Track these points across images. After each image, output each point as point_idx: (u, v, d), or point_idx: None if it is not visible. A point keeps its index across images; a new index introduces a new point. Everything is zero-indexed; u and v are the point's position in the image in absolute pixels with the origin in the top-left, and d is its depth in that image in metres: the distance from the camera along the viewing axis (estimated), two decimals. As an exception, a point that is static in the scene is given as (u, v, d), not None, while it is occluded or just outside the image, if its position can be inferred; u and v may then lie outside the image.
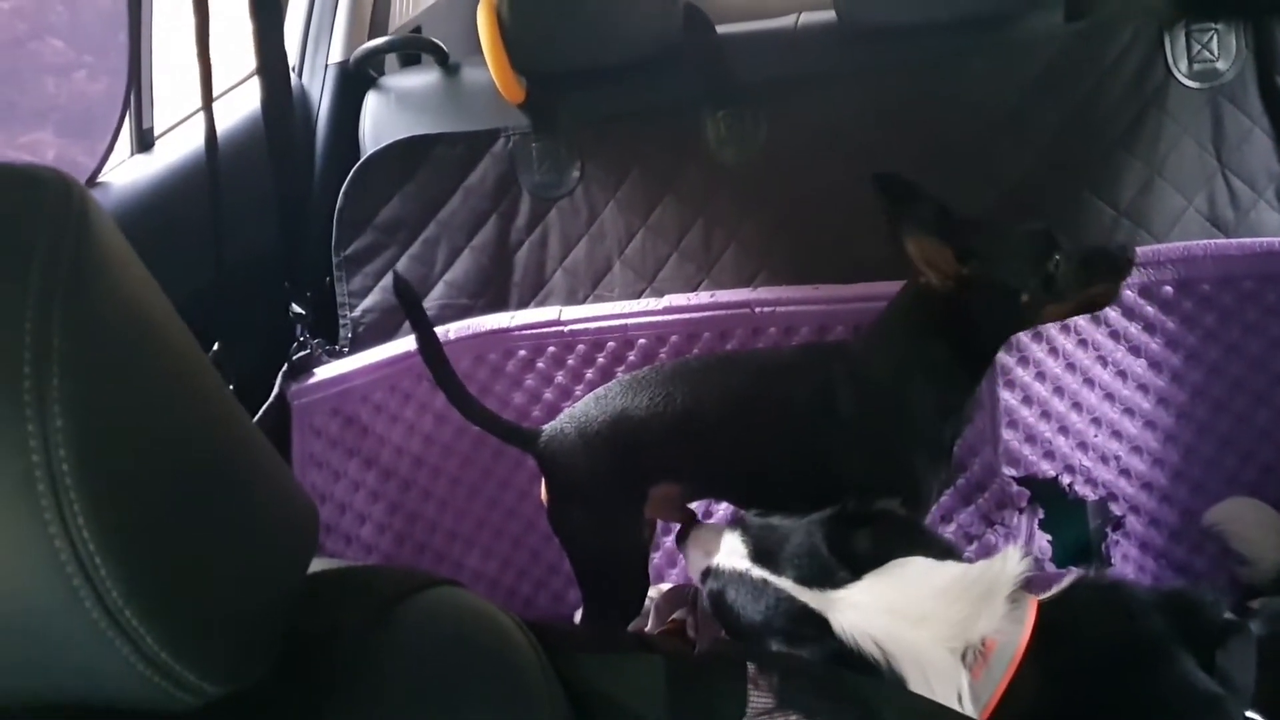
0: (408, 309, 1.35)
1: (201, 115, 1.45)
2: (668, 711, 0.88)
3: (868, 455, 1.21)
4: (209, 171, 1.34)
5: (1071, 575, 1.00)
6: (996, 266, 1.16)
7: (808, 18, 1.76)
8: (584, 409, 1.33)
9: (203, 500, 0.55)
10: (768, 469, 1.25)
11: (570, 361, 1.61)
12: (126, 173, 1.55)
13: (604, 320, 1.60)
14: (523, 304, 1.74)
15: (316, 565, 0.80)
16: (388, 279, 1.76)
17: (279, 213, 1.58)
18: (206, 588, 0.56)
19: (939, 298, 1.18)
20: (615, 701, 0.88)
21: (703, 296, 1.58)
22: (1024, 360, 1.44)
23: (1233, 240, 1.44)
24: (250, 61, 1.63)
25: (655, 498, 1.29)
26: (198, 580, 0.55)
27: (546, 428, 1.34)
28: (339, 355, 1.65)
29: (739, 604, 1.04)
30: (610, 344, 1.59)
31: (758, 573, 1.04)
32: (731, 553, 1.09)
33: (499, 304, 1.74)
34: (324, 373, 1.58)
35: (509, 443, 1.40)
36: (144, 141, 1.60)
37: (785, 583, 1.01)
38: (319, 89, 1.86)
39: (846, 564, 1.00)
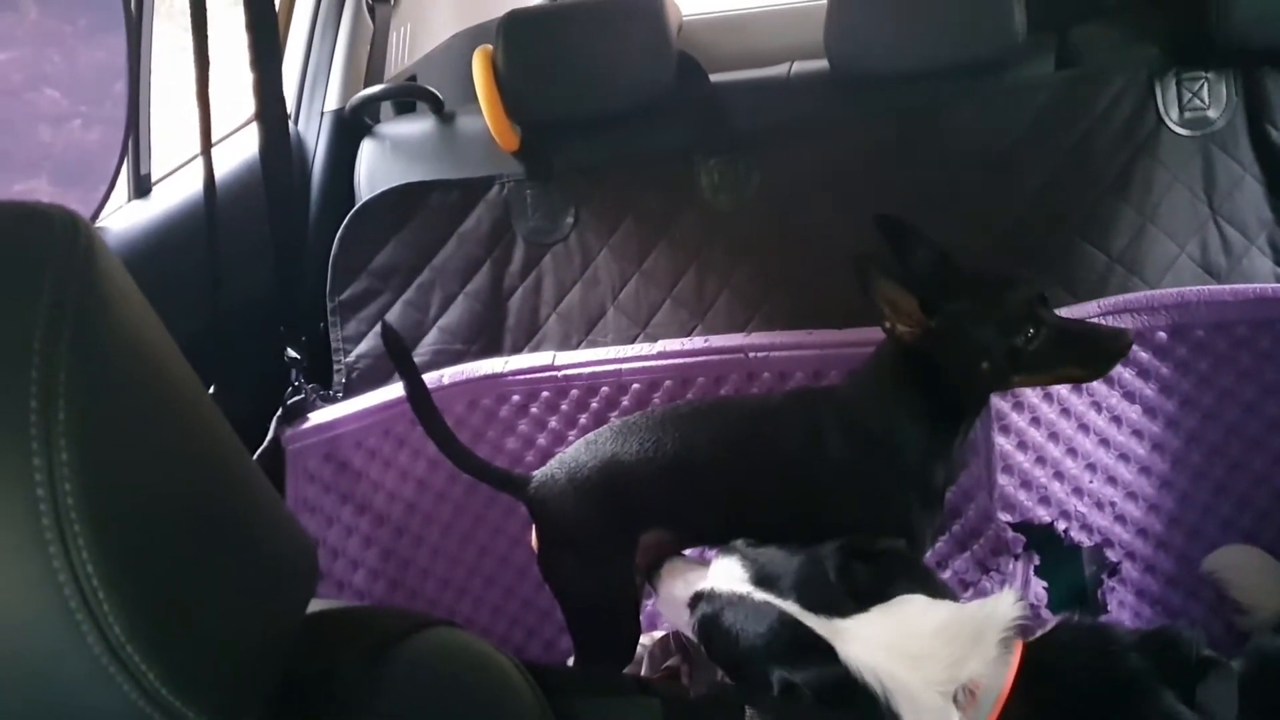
0: (396, 359, 1.35)
1: (199, 161, 1.46)
2: None
3: (859, 499, 1.20)
4: (207, 217, 1.35)
5: (1059, 619, 1.00)
6: (964, 326, 1.13)
7: (800, 66, 1.78)
8: (574, 455, 1.32)
9: (205, 537, 0.55)
10: (759, 513, 1.24)
11: (564, 406, 1.60)
12: (124, 218, 1.56)
13: (597, 365, 1.59)
14: (516, 349, 1.74)
15: (314, 606, 0.80)
16: (383, 324, 1.76)
17: (275, 258, 1.58)
18: (208, 625, 0.55)
19: (909, 348, 1.17)
20: None
21: (697, 341, 1.57)
22: (1019, 405, 1.43)
23: (1226, 286, 1.45)
24: (247, 108, 1.65)
25: (646, 545, 1.28)
26: (199, 617, 0.54)
27: (537, 474, 1.33)
28: (333, 400, 1.65)
29: (738, 627, 1.03)
30: (604, 389, 1.59)
31: (760, 596, 1.02)
32: (728, 577, 1.07)
33: (493, 349, 1.74)
34: (318, 417, 1.57)
35: (499, 489, 1.40)
36: (141, 187, 1.61)
37: (792, 607, 0.99)
38: (315, 136, 1.88)
39: (851, 595, 1.00)
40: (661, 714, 0.87)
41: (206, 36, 1.31)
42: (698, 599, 1.09)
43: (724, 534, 1.32)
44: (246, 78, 1.55)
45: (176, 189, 1.64)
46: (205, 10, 1.30)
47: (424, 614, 0.77)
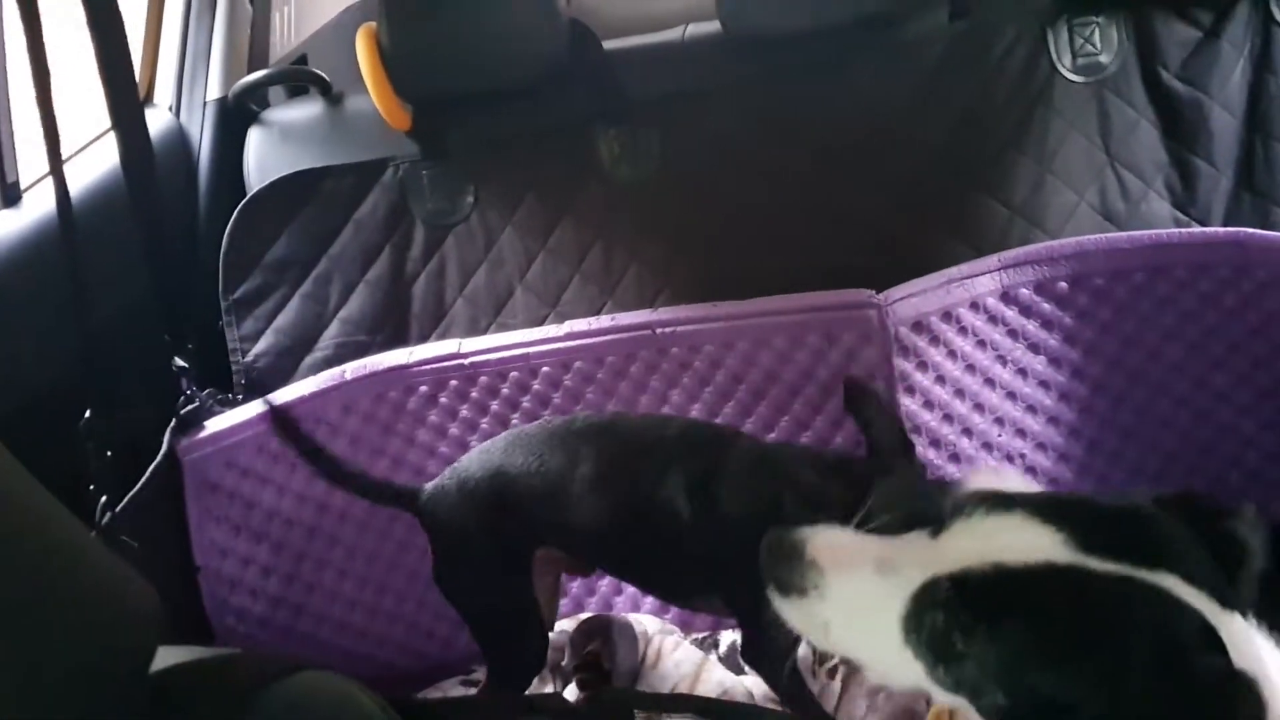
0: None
1: (77, 164, 1.39)
2: None
3: (724, 560, 1.12)
4: (62, 228, 1.28)
5: None
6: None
7: (695, 29, 1.74)
8: (466, 464, 1.29)
9: (22, 620, 0.52)
10: (631, 548, 1.21)
11: (474, 394, 1.57)
12: (-8, 228, 1.48)
13: (505, 350, 1.56)
14: (424, 337, 1.69)
15: (179, 655, 0.76)
16: (280, 320, 1.70)
17: (148, 263, 1.51)
18: (20, 707, 0.52)
19: None
20: None
21: (604, 320, 1.55)
22: (922, 365, 1.43)
23: (1123, 234, 1.45)
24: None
25: (539, 560, 1.25)
26: (19, 698, 0.51)
27: (429, 485, 1.30)
28: (233, 404, 1.60)
29: (1112, 621, 0.68)
30: (514, 374, 1.56)
31: (1157, 580, 0.68)
32: (1017, 543, 0.71)
33: (399, 338, 1.69)
34: (215, 425, 1.52)
35: (391, 505, 1.37)
36: (9, 196, 1.53)
37: (1192, 594, 0.68)
38: (199, 127, 1.79)
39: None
40: None
41: (42, 41, 1.24)
42: (959, 586, 0.70)
43: (606, 559, 1.29)
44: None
45: (49, 197, 1.56)
46: (38, 14, 1.22)
47: (288, 658, 0.75)
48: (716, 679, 1.44)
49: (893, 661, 0.74)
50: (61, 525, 0.62)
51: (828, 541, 0.77)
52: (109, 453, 1.29)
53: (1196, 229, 1.44)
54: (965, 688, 0.71)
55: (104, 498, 1.29)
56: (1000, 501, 0.73)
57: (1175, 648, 0.66)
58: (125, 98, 1.48)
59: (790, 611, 0.78)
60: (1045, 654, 0.68)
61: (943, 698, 0.74)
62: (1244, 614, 0.69)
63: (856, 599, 0.75)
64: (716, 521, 1.14)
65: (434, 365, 1.57)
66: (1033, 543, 0.69)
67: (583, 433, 1.26)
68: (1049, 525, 0.69)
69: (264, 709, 0.72)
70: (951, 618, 0.70)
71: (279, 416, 1.33)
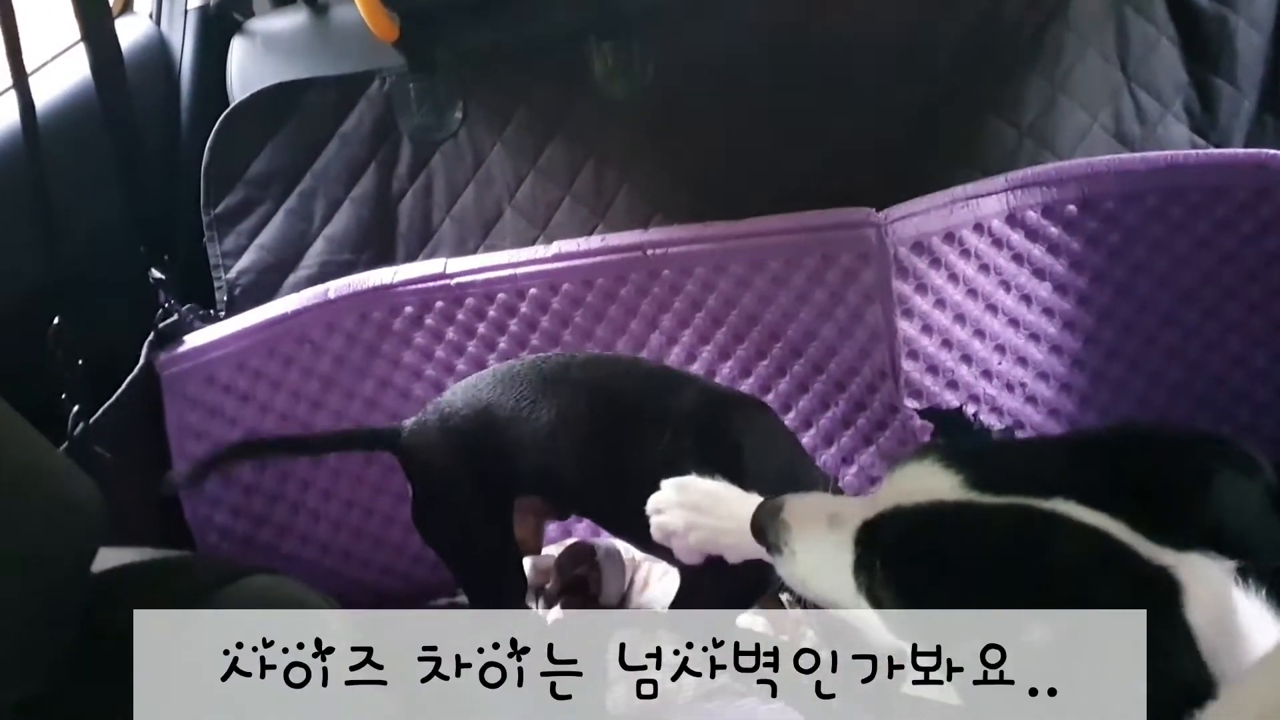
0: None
1: (44, 75, 1.34)
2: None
3: None
4: (26, 140, 1.23)
5: None
6: None
7: (696, -64, 1.66)
8: (450, 398, 1.24)
9: None
10: (619, 503, 1.14)
11: (460, 316, 1.53)
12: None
13: (492, 271, 1.52)
14: (410, 257, 1.64)
15: (127, 557, 0.74)
16: (264, 237, 1.66)
17: (120, 176, 1.47)
18: None
19: None
20: None
21: (594, 241, 1.50)
22: (922, 288, 1.38)
23: (1136, 155, 1.39)
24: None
25: (521, 508, 1.21)
26: None
27: (409, 421, 1.26)
28: (214, 320, 1.56)
29: (999, 548, 0.66)
30: (501, 295, 1.52)
31: (1051, 506, 0.65)
32: (925, 487, 0.71)
33: (384, 258, 1.64)
34: (195, 339, 1.49)
35: (372, 449, 1.34)
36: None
37: (1108, 522, 0.64)
38: (180, 36, 1.73)
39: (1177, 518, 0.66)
40: None
41: None
42: (871, 531, 0.74)
43: (605, 513, 1.24)
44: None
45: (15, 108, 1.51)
46: None
47: (237, 564, 0.74)
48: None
49: (860, 615, 0.76)
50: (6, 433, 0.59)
51: (799, 502, 0.82)
52: (80, 361, 1.25)
53: (1215, 151, 1.37)
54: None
55: (75, 407, 1.26)
56: (922, 451, 0.75)
57: (1066, 569, 0.63)
58: (94, 5, 1.42)
59: (780, 570, 0.82)
60: (937, 590, 0.68)
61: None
62: (1205, 551, 0.62)
63: (817, 554, 0.78)
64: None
65: (419, 285, 1.53)
66: (930, 485, 0.70)
67: (580, 384, 1.20)
68: (951, 468, 0.71)
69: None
70: (860, 560, 0.73)
71: (235, 450, 1.34)
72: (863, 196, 1.42)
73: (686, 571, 1.19)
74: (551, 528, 1.52)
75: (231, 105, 1.66)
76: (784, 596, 1.33)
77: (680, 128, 1.59)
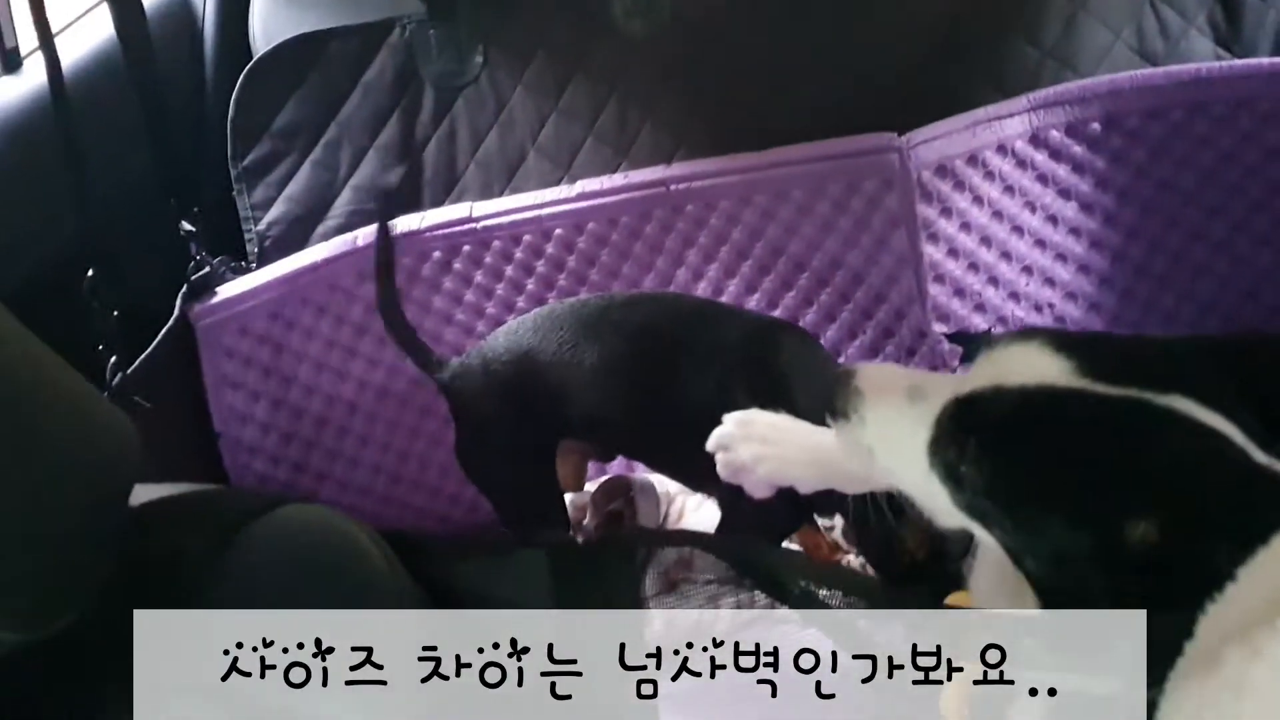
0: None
1: (74, 31, 1.36)
2: (555, 604, 0.85)
3: None
4: (54, 96, 1.25)
5: None
6: None
7: None
8: (493, 343, 1.26)
9: None
10: (664, 443, 1.17)
11: (488, 259, 1.54)
12: (-7, 95, 1.46)
13: (517, 213, 1.53)
14: (436, 203, 1.65)
15: (169, 491, 0.76)
16: (291, 188, 1.67)
17: (148, 130, 1.49)
18: None
19: None
20: (500, 601, 0.85)
21: (617, 179, 1.51)
22: (947, 211, 1.38)
23: (1159, 69, 1.38)
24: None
25: (565, 449, 1.23)
26: None
27: (455, 361, 1.29)
28: (246, 272, 1.59)
29: (1114, 438, 0.64)
30: (526, 237, 1.53)
31: (1168, 403, 0.63)
32: (1028, 367, 0.69)
33: (411, 205, 1.65)
34: (227, 290, 1.51)
35: (419, 367, 1.36)
36: (9, 63, 1.50)
37: (1230, 428, 0.63)
38: (201, -8, 1.75)
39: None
40: (548, 564, 0.85)
41: None
42: (965, 408, 0.70)
43: (654, 454, 1.25)
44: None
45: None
46: None
47: (279, 492, 0.75)
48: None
49: (927, 491, 0.74)
50: (45, 371, 0.60)
51: (874, 372, 0.80)
52: (115, 313, 1.28)
53: (1237, 62, 1.36)
54: (977, 515, 0.70)
55: (114, 358, 1.29)
56: (1026, 334, 0.72)
57: (1180, 466, 0.62)
58: None
59: (841, 436, 0.80)
60: (1041, 475, 0.66)
61: (978, 534, 0.73)
62: None
63: (890, 425, 0.76)
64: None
65: (446, 230, 1.54)
66: (1039, 368, 0.67)
67: (621, 325, 1.21)
68: (1061, 353, 0.68)
69: (252, 538, 0.71)
70: (949, 436, 0.70)
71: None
72: (885, 122, 1.42)
73: (726, 503, 1.21)
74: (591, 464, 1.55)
75: (254, 59, 1.67)
76: (823, 523, 1.35)
77: (700, 62, 1.59)
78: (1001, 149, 1.38)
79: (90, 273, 1.25)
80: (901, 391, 0.75)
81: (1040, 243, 1.41)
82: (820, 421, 0.90)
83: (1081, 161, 1.39)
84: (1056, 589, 0.67)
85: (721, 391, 1.13)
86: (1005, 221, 1.40)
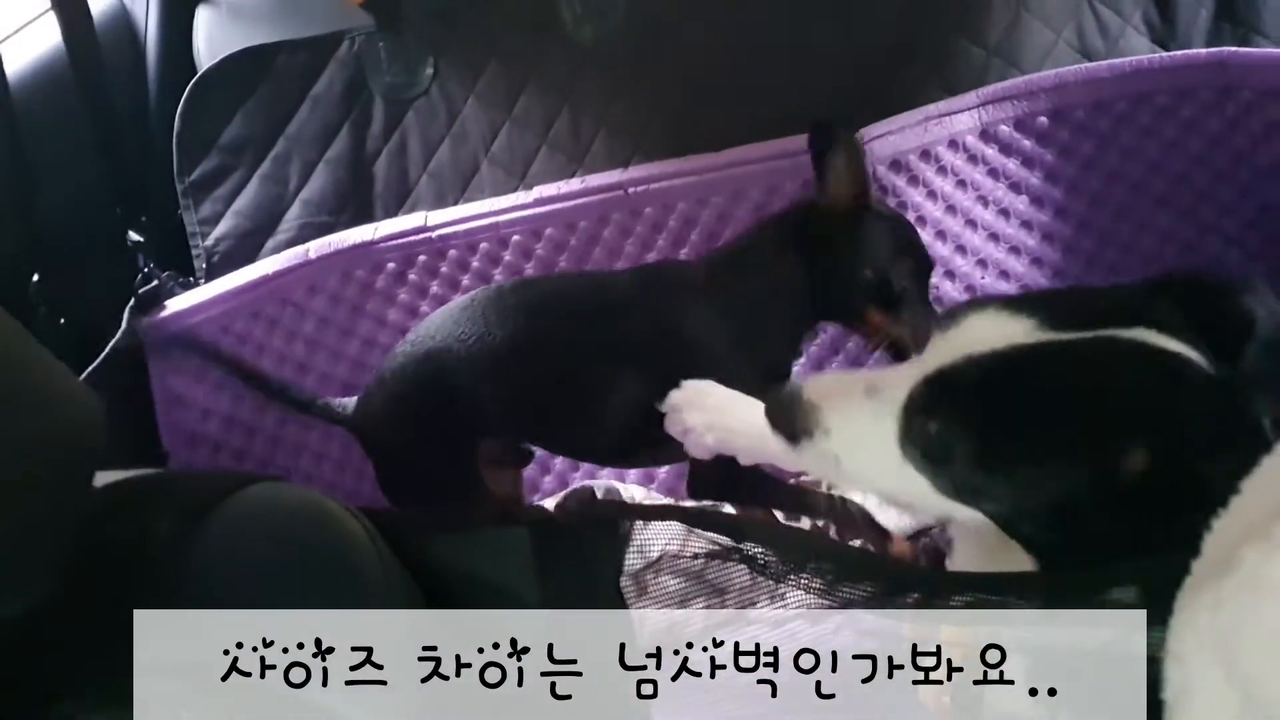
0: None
1: (13, 44, 1.33)
2: (537, 580, 0.83)
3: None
4: None
5: None
6: (870, 227, 1.12)
7: None
8: (389, 362, 1.23)
9: None
10: (601, 411, 1.15)
11: (443, 269, 1.53)
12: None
13: (474, 220, 1.52)
14: (388, 216, 1.63)
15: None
16: (240, 203, 1.64)
17: (96, 138, 1.45)
18: None
19: (830, 218, 1.13)
20: (480, 578, 0.83)
21: (574, 184, 1.50)
22: (902, 206, 1.39)
23: (1102, 63, 1.41)
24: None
25: (487, 458, 1.20)
26: None
27: (350, 401, 1.27)
28: (193, 287, 1.55)
29: (1094, 377, 0.65)
30: (483, 245, 1.52)
31: (1134, 335, 0.65)
32: (993, 333, 0.69)
33: (363, 219, 1.63)
34: (176, 304, 1.47)
35: (326, 420, 1.35)
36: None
37: (1193, 354, 0.65)
38: (144, 7, 1.71)
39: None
40: (529, 541, 0.83)
41: None
42: (936, 386, 0.70)
43: (565, 432, 1.23)
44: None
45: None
46: None
47: (246, 473, 0.72)
48: (707, 539, 1.42)
49: (902, 486, 0.73)
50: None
51: (819, 383, 0.79)
52: (62, 320, 1.24)
53: (1178, 53, 1.39)
54: (966, 492, 0.70)
55: None
56: (976, 304, 0.73)
57: (1163, 392, 0.63)
58: None
59: (804, 459, 0.79)
60: (1030, 429, 0.65)
61: (961, 515, 0.73)
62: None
63: (854, 427, 0.75)
64: (685, 352, 1.11)
65: (400, 240, 1.52)
66: (1003, 331, 0.68)
67: (517, 306, 1.19)
68: (1021, 314, 0.69)
69: (221, 518, 0.68)
70: (929, 416, 0.69)
71: (190, 341, 1.30)
72: (839, 120, 1.43)
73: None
74: (549, 479, 1.53)
75: (200, 72, 1.65)
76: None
77: (652, 66, 1.59)
78: (953, 144, 1.40)
79: (36, 277, 1.21)
80: (858, 392, 0.75)
81: (994, 236, 1.42)
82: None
83: (1031, 155, 1.41)
84: (1056, 545, 0.67)
85: (617, 347, 1.14)
86: (959, 215, 1.41)
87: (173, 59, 1.71)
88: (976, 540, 0.80)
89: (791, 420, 0.78)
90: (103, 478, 0.67)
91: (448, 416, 1.18)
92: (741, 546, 0.75)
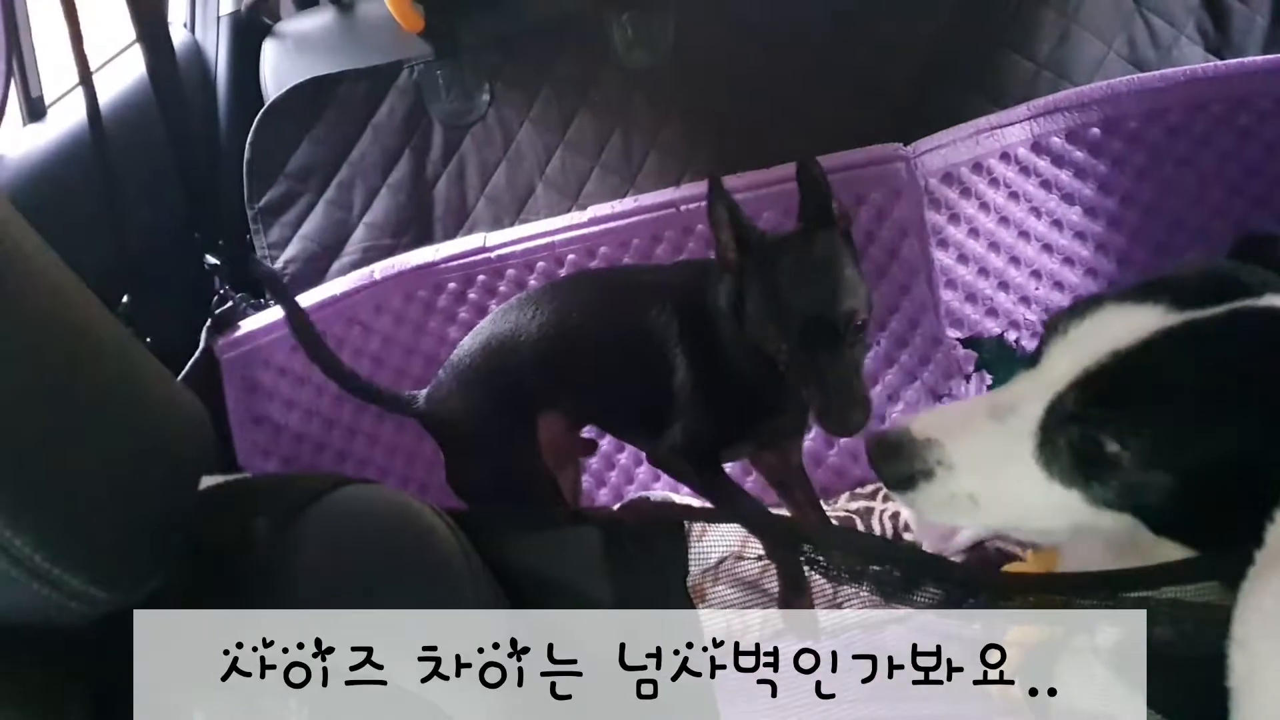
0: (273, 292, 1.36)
1: (96, 81, 1.40)
2: (609, 581, 0.85)
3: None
4: (93, 138, 1.29)
5: None
6: (749, 277, 1.06)
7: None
8: (456, 351, 1.30)
9: (68, 412, 0.54)
10: (631, 391, 1.19)
11: (502, 288, 1.57)
12: (20, 143, 1.49)
13: (530, 241, 1.55)
14: (448, 238, 1.68)
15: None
16: (307, 227, 1.71)
17: (178, 167, 1.52)
18: (79, 494, 0.54)
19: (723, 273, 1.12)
20: (552, 577, 0.85)
21: (627, 203, 1.54)
22: (955, 218, 1.40)
23: (1156, 73, 1.41)
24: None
25: (545, 427, 1.23)
26: (70, 487, 0.53)
27: (423, 390, 1.31)
28: (265, 308, 1.61)
29: (1252, 348, 0.66)
30: (540, 264, 1.55)
31: (1269, 303, 0.66)
32: (1149, 321, 0.67)
33: (424, 241, 1.68)
34: (250, 324, 1.53)
35: (394, 411, 1.38)
36: (35, 111, 1.54)
37: None
38: (214, 43, 1.79)
39: None
40: (600, 541, 0.85)
41: None
42: (1086, 391, 0.67)
43: (612, 416, 1.28)
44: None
45: (74, 111, 1.57)
46: None
47: (339, 475, 0.75)
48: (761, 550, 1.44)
49: (1047, 506, 0.69)
50: (131, 354, 0.62)
51: (929, 419, 0.73)
52: (148, 339, 1.30)
53: (1232, 61, 1.39)
54: (1127, 495, 0.66)
55: None
56: (1081, 308, 0.71)
57: None
58: (149, 7, 1.48)
59: (928, 503, 0.71)
60: (1202, 411, 0.63)
61: (1110, 522, 0.69)
62: None
63: (987, 455, 0.69)
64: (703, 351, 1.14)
65: (461, 261, 1.57)
66: (1137, 322, 0.66)
67: (567, 290, 1.27)
68: (1145, 303, 0.67)
69: (317, 518, 0.72)
70: (1089, 422, 0.66)
71: (294, 318, 1.34)
72: (889, 135, 1.45)
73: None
74: (604, 492, 1.56)
75: (268, 103, 1.71)
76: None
77: (703, 86, 1.63)
78: (1005, 156, 1.41)
79: (125, 299, 1.27)
80: (980, 417, 0.70)
81: (1047, 247, 1.43)
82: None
83: (1083, 166, 1.41)
84: (1212, 527, 0.65)
85: (657, 327, 1.16)
86: (1012, 226, 1.42)
87: (241, 90, 1.78)
88: (1099, 546, 0.75)
89: (905, 462, 0.71)
90: (204, 483, 0.71)
91: (506, 388, 1.23)
92: (804, 549, 0.75)
